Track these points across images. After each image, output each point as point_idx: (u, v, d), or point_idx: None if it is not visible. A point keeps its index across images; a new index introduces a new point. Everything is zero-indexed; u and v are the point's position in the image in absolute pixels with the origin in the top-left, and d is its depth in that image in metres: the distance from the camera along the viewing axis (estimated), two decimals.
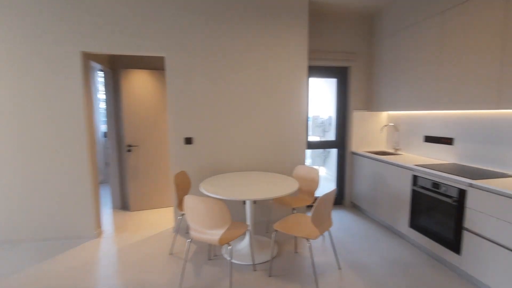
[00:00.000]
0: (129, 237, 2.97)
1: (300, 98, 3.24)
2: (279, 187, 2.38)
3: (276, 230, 2.23)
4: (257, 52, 3.06)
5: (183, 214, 2.75)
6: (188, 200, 1.95)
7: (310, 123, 4.93)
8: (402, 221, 2.86)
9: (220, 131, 3.09)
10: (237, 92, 3.07)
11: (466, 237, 2.16)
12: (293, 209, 2.76)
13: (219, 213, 1.93)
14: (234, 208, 3.24)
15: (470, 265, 2.13)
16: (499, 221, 1.90)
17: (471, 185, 2.11)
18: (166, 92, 3.10)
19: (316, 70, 3.71)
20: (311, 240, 2.22)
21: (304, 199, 2.82)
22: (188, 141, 3.01)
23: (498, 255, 1.92)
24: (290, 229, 2.16)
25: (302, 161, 3.34)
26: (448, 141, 2.86)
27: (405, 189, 2.80)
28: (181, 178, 2.70)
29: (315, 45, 3.56)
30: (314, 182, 2.81)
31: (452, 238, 2.29)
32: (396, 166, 2.91)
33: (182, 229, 3.15)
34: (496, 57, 2.13)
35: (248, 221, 2.58)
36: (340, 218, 3.50)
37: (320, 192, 4.08)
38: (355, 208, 3.88)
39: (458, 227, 2.23)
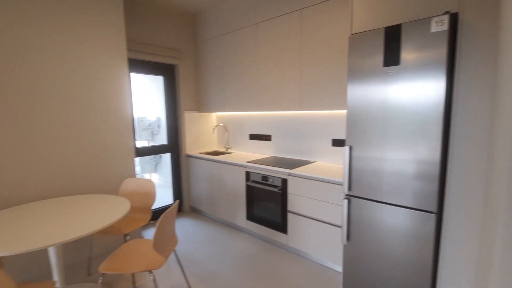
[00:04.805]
0: None
1: (123, 95, 2.64)
2: (102, 212, 1.76)
3: (103, 273, 1.63)
4: (56, 30, 2.15)
5: None
6: None
7: (135, 125, 4.30)
8: (240, 215, 3.01)
9: None
10: (24, 82, 2.03)
11: (290, 218, 2.53)
12: (126, 235, 2.19)
13: None
14: (27, 258, 2.17)
15: (294, 240, 2.52)
16: (307, 199, 2.35)
17: (289, 174, 2.48)
18: None
19: (139, 65, 3.19)
20: (155, 270, 1.79)
21: (139, 219, 2.32)
22: None
23: (310, 226, 2.36)
24: (124, 266, 1.64)
25: (131, 173, 2.76)
26: (267, 137, 3.29)
27: (240, 185, 2.96)
28: None
29: (137, 36, 3.04)
30: (149, 196, 2.36)
31: (280, 222, 2.62)
32: (231, 164, 3.02)
33: None
34: (297, 69, 2.60)
35: (56, 275, 1.76)
36: (181, 228, 3.23)
37: (158, 203, 3.64)
38: (195, 212, 3.75)
39: (283, 211, 2.58)
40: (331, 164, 2.68)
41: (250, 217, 2.91)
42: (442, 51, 1.40)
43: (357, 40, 1.71)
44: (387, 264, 1.73)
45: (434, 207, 1.52)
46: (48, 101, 2.20)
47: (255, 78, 2.98)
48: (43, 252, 2.24)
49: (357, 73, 1.74)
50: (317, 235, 2.33)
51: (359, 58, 1.71)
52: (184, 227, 3.25)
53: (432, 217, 1.53)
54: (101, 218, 1.69)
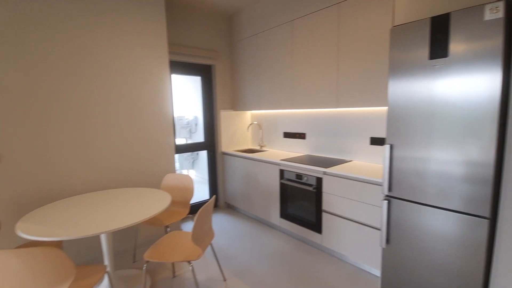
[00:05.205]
0: None
1: (164, 95, 2.81)
2: (146, 204, 1.90)
3: (147, 261, 1.77)
4: (105, 37, 2.37)
5: None
6: None
7: (175, 124, 4.52)
8: (274, 213, 3.03)
9: (52, 141, 2.19)
10: (77, 86, 2.27)
11: (325, 217, 2.49)
12: (167, 227, 2.33)
13: (51, 267, 1.28)
14: (81, 243, 2.42)
15: (329, 240, 2.47)
16: (343, 199, 2.28)
17: (325, 173, 2.44)
18: None
19: (179, 66, 3.36)
20: (193, 261, 1.88)
21: (178, 212, 2.45)
22: None
23: (346, 227, 2.29)
24: (165, 255, 1.76)
25: (171, 168, 2.93)
26: (302, 135, 3.26)
27: (274, 183, 2.97)
28: None
29: (176, 39, 3.20)
30: (188, 190, 2.49)
31: (314, 221, 2.59)
32: (265, 162, 3.05)
33: None
34: (334, 65, 2.53)
35: (106, 260, 1.94)
36: (217, 223, 3.35)
37: (195, 198, 3.81)
38: (230, 208, 3.86)
39: (318, 210, 2.54)
40: (369, 164, 2.57)
41: (284, 215, 2.91)
42: (497, 41, 1.27)
43: (399, 32, 1.62)
44: (431, 272, 1.63)
45: (487, 212, 1.39)
46: (101, 103, 2.42)
47: (290, 75, 2.97)
48: (95, 239, 2.48)
49: (399, 67, 1.64)
50: (354, 237, 2.26)
51: (402, 51, 1.62)
52: (220, 222, 3.35)
53: (485, 223, 1.40)
54: (146, 209, 1.82)
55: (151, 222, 2.27)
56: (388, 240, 1.82)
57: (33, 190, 2.15)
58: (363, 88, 2.32)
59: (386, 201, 1.78)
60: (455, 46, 1.41)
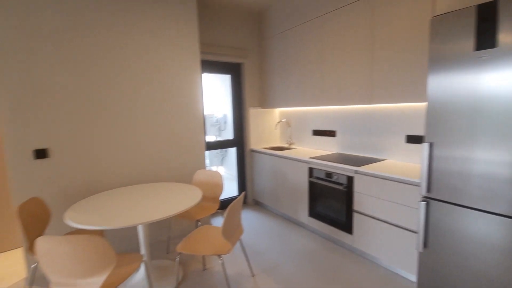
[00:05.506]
0: None
1: (195, 94, 2.90)
2: (179, 199, 1.99)
3: (180, 253, 1.85)
4: (141, 40, 2.51)
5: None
6: (43, 242, 1.32)
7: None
8: (302, 211, 3.00)
9: (95, 137, 2.37)
10: (117, 86, 2.43)
11: (356, 218, 2.41)
12: (198, 221, 2.42)
13: (96, 253, 1.38)
14: (120, 233, 2.59)
15: (360, 242, 2.39)
16: (375, 199, 2.19)
17: (356, 172, 2.36)
18: None
19: (209, 65, 3.45)
20: (223, 255, 1.95)
21: (209, 207, 2.52)
22: (41, 154, 2.16)
23: (379, 229, 2.20)
24: (197, 248, 1.83)
25: (202, 165, 3.02)
26: (332, 133, 3.18)
27: (303, 181, 2.94)
28: (32, 209, 1.89)
29: (207, 39, 3.28)
30: (218, 186, 2.55)
31: (345, 221, 2.52)
32: (294, 160, 3.02)
33: (40, 280, 2.26)
34: (367, 60, 2.44)
35: (143, 250, 2.06)
36: (245, 219, 3.39)
37: (224, 194, 3.90)
38: (258, 205, 3.89)
39: (349, 210, 2.47)
40: (404, 163, 2.44)
41: (313, 213, 2.87)
42: None
43: (441, 23, 1.52)
44: (472, 279, 1.51)
45: None
46: (139, 103, 2.57)
47: (320, 71, 2.91)
48: (132, 229, 2.64)
49: (440, 60, 1.54)
50: (387, 239, 2.17)
51: (443, 43, 1.51)
52: (248, 219, 3.40)
53: None
54: (179, 203, 1.90)
55: (184, 215, 2.37)
56: (425, 244, 1.72)
57: (79, 183, 2.35)
58: (400, 83, 2.21)
59: (424, 202, 1.68)
60: (505, 36, 1.29)
